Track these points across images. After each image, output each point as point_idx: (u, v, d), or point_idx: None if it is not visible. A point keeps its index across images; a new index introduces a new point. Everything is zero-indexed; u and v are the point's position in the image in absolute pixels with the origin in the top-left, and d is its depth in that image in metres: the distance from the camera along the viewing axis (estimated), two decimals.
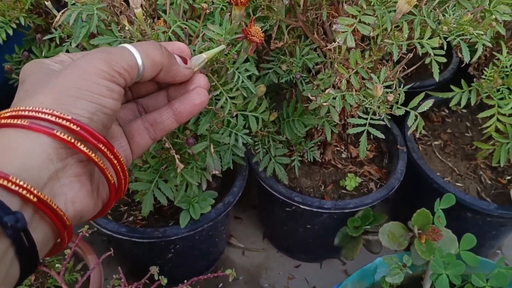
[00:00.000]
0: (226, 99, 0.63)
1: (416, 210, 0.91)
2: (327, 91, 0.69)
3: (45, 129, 0.31)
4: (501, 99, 0.83)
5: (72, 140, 0.32)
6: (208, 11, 0.69)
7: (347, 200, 0.97)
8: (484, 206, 0.96)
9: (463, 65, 0.81)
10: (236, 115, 0.74)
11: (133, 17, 0.66)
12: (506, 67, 0.82)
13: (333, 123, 0.83)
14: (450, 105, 0.84)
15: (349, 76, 0.67)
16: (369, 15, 0.61)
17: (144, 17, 0.74)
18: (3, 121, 0.31)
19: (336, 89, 0.70)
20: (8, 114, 0.32)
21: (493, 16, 0.73)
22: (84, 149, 0.32)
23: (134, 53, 0.36)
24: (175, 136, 0.73)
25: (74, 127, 0.32)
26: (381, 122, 0.65)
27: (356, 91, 0.68)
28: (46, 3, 0.74)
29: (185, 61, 0.41)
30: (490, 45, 0.76)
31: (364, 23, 0.61)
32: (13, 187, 0.28)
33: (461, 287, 0.85)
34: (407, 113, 0.69)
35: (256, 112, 0.76)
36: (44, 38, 0.78)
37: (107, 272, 1.09)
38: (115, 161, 0.35)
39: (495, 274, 0.82)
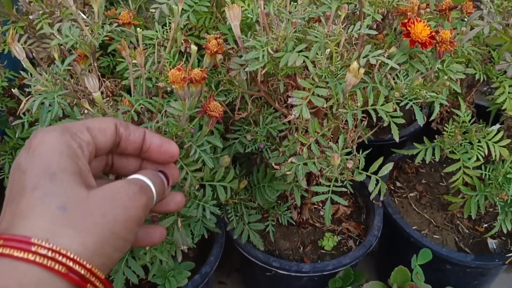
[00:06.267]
0: (187, 173, 0.64)
1: (398, 264, 0.90)
2: (289, 159, 0.70)
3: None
4: (465, 153, 0.85)
5: None
6: (168, 88, 0.72)
7: (326, 262, 0.96)
8: (461, 258, 0.96)
9: (425, 122, 0.83)
10: (204, 186, 0.75)
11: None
12: (465, 122, 0.84)
13: (302, 187, 0.84)
14: (416, 162, 0.85)
15: (309, 144, 0.69)
16: (322, 87, 0.64)
17: (109, 97, 0.76)
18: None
19: (298, 156, 0.72)
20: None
21: (446, 76, 0.77)
22: None
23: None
24: None
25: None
26: (343, 189, 0.66)
27: (317, 158, 0.70)
28: (13, 90, 0.77)
29: None
30: (446, 103, 0.79)
31: (318, 95, 0.64)
32: None
33: None
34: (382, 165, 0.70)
35: (224, 182, 0.77)
36: (14, 123, 0.80)
37: None
38: None
39: None
